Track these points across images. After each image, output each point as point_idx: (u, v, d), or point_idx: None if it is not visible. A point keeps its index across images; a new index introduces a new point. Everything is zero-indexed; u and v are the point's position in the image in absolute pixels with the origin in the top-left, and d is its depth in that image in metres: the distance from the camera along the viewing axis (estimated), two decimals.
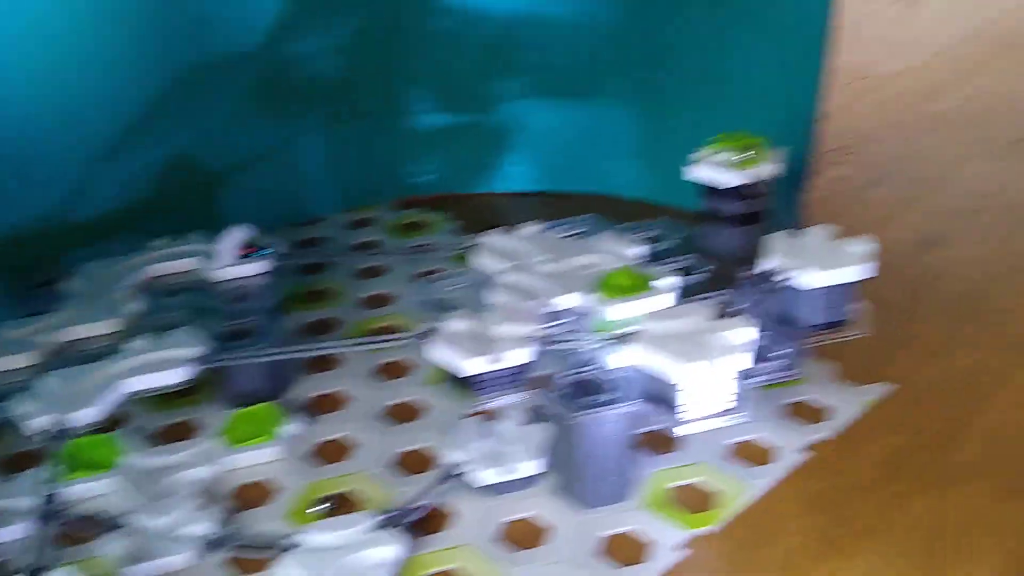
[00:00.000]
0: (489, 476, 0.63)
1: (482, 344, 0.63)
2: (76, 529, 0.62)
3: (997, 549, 0.58)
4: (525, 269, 0.74)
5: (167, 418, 0.75)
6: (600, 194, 1.09)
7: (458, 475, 0.64)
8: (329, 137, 1.06)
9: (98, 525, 0.63)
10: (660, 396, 0.61)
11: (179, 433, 0.73)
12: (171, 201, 0.93)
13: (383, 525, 0.60)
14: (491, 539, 0.61)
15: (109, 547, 0.61)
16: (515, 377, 0.64)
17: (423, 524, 0.62)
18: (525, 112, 1.09)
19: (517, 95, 1.08)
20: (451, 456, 0.65)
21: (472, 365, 0.62)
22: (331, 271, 0.97)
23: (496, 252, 0.77)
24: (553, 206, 1.05)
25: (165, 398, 0.75)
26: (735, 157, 0.76)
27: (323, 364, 0.81)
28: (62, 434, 0.63)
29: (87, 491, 0.66)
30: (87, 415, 0.63)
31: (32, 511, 0.62)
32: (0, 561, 0.60)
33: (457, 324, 0.66)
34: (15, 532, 0.62)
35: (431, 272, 0.94)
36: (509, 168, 1.13)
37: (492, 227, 0.81)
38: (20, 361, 0.69)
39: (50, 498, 0.62)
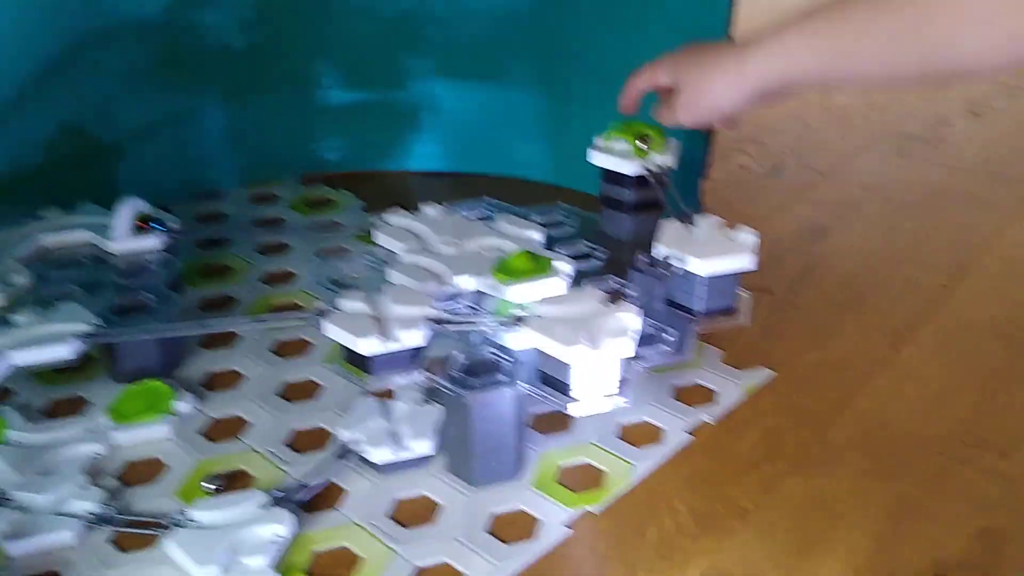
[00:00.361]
0: (382, 455, 0.64)
1: (379, 324, 0.64)
2: None
3: (864, 525, 0.61)
4: (425, 250, 0.74)
5: (54, 393, 0.74)
6: (507, 176, 1.10)
7: (351, 453, 0.65)
8: (232, 109, 1.04)
9: None
10: (553, 377, 0.62)
11: (66, 409, 0.72)
12: (63, 170, 0.91)
13: (274, 502, 0.60)
14: (382, 517, 0.62)
15: None
16: (411, 357, 0.65)
17: (314, 502, 0.62)
18: (434, 92, 1.09)
19: (426, 74, 1.08)
20: (345, 435, 0.65)
21: (368, 345, 0.63)
22: (231, 246, 0.96)
23: (398, 232, 0.77)
24: (460, 186, 1.06)
25: (52, 373, 0.74)
26: (636, 144, 0.78)
27: (219, 341, 0.80)
28: None
29: None
30: None
31: None
32: None
33: (355, 303, 0.66)
34: None
35: (333, 250, 0.94)
36: (417, 147, 1.12)
37: (397, 206, 0.81)
38: None
39: None
